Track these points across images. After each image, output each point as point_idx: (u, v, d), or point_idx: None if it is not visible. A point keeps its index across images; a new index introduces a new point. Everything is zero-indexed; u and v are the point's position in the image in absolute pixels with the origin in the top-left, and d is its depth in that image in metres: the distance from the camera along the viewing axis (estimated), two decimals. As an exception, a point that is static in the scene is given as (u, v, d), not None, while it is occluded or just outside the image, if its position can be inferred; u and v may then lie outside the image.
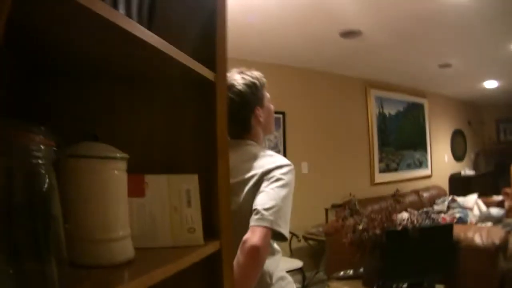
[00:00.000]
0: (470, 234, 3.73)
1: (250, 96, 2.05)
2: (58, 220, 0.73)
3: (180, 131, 1.32)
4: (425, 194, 7.95)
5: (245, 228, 1.73)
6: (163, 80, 1.29)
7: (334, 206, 6.31)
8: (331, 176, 6.91)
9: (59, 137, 0.77)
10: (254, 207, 1.76)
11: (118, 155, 0.96)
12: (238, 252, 1.66)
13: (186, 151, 1.31)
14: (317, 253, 6.14)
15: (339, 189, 6.72)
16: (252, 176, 1.87)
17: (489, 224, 6.11)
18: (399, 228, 3.22)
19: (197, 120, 1.32)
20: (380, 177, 7.84)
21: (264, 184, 1.83)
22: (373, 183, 7.69)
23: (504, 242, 3.79)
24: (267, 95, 2.22)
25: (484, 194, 8.08)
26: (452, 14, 4.45)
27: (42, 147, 0.69)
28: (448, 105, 10.27)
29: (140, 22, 1.04)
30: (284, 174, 1.85)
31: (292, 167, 1.91)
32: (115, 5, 0.92)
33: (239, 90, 2.02)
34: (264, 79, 2.18)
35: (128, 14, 0.99)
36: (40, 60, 1.12)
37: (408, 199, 7.31)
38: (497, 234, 3.77)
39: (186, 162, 1.29)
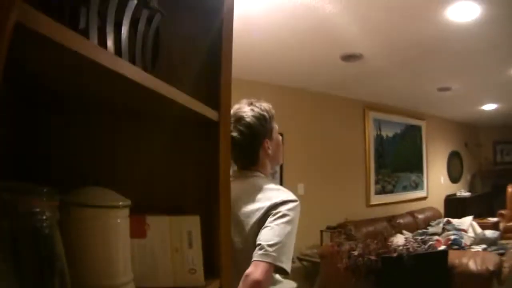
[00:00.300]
0: (464, 260, 3.75)
1: (259, 129, 2.05)
2: (64, 273, 0.76)
3: (182, 170, 1.34)
4: (420, 216, 7.97)
5: (248, 260, 1.74)
6: (165, 119, 1.31)
7: (329, 228, 6.33)
8: (327, 197, 6.88)
9: (60, 184, 0.81)
10: (258, 242, 1.77)
11: (121, 203, 0.97)
12: (240, 284, 1.69)
13: (188, 190, 1.32)
14: (311, 274, 6.06)
15: (335, 211, 6.76)
16: (258, 210, 1.87)
17: (484, 246, 6.14)
18: (394, 255, 3.24)
19: (200, 159, 1.34)
20: (375, 199, 7.82)
21: (270, 219, 1.83)
22: (368, 205, 7.67)
23: (498, 268, 3.81)
24: (276, 127, 2.21)
25: (479, 215, 8.15)
26: (453, 40, 4.48)
27: (46, 210, 0.72)
28: (446, 127, 10.30)
29: (143, 62, 1.08)
30: (289, 210, 1.84)
31: (297, 202, 1.90)
32: (119, 47, 0.95)
33: (248, 123, 2.01)
34: (273, 111, 2.17)
35: (132, 55, 1.01)
36: (41, 97, 1.15)
37: (403, 220, 7.38)
38: (491, 260, 3.79)
39: (187, 201, 1.30)
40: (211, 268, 1.27)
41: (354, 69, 5.49)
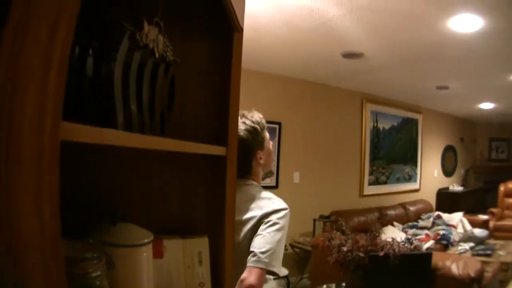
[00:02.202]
0: (448, 263, 3.88)
1: (251, 142, 2.20)
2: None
3: (193, 196, 1.50)
4: (412, 208, 8.09)
5: (241, 261, 1.91)
6: (178, 158, 1.45)
7: (322, 217, 6.45)
8: (321, 186, 7.00)
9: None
10: (251, 249, 1.94)
11: (146, 240, 1.12)
12: None
13: (199, 214, 1.49)
14: (302, 260, 6.30)
15: (328, 200, 6.92)
16: (251, 218, 2.04)
17: (472, 244, 6.29)
18: (381, 254, 3.39)
19: (210, 187, 1.50)
20: (369, 189, 7.94)
21: (262, 227, 2.00)
22: (361, 195, 7.78)
23: (479, 274, 3.92)
24: (267, 135, 2.34)
25: (470, 211, 8.24)
26: (454, 47, 4.58)
27: (96, 269, 0.90)
28: (442, 121, 10.34)
29: (161, 113, 1.22)
30: (280, 218, 2.01)
31: (287, 210, 2.08)
32: (140, 110, 1.07)
33: (241, 137, 2.13)
34: (264, 121, 2.29)
35: (152, 113, 1.15)
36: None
37: (395, 212, 7.47)
38: (473, 266, 3.90)
39: (198, 223, 1.47)
40: (217, 280, 1.44)
41: (354, 65, 5.61)
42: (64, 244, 0.82)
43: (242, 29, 1.56)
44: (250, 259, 1.92)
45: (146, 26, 1.04)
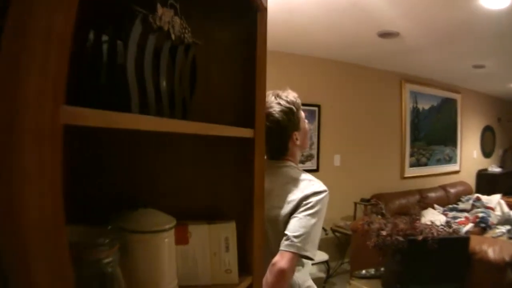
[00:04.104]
0: (484, 247, 3.80)
1: (287, 123, 2.11)
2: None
3: (220, 181, 1.47)
4: (452, 190, 7.97)
5: (276, 236, 1.94)
6: (204, 140, 1.41)
7: (362, 201, 6.42)
8: (362, 169, 6.91)
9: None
10: (286, 231, 1.91)
11: (167, 226, 1.10)
12: (267, 272, 1.84)
13: (225, 198, 1.46)
14: (343, 245, 6.24)
15: (369, 183, 6.84)
16: (291, 202, 1.98)
17: (508, 227, 6.17)
18: (420, 238, 3.34)
19: (236, 172, 1.47)
20: (410, 171, 7.80)
21: (299, 209, 1.95)
22: (402, 177, 7.66)
23: None
24: (302, 115, 2.25)
25: (509, 193, 8.02)
26: (487, 21, 4.49)
27: (108, 256, 0.88)
28: (480, 101, 10.11)
29: (182, 95, 1.20)
30: (318, 201, 1.96)
31: (327, 193, 2.02)
32: (158, 93, 1.06)
33: (277, 119, 2.08)
34: (299, 101, 2.20)
35: (171, 95, 1.13)
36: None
37: (435, 194, 7.38)
38: (508, 250, 3.83)
39: (225, 209, 1.45)
40: (245, 267, 1.41)
41: (391, 45, 5.53)
42: (78, 230, 0.82)
43: (266, 8, 1.50)
44: (283, 242, 1.89)
45: (159, 9, 1.02)
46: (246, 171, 1.45)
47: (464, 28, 4.77)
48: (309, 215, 1.93)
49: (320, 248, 5.90)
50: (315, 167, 6.32)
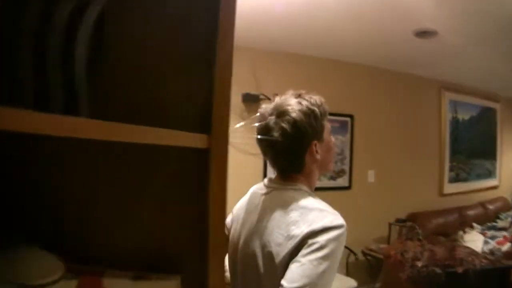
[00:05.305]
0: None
1: (307, 127, 1.67)
2: None
3: (166, 212, 1.13)
4: (491, 207, 7.65)
5: (273, 286, 1.50)
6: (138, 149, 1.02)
7: (398, 221, 6.08)
8: (398, 185, 6.54)
9: None
10: (282, 281, 1.46)
11: (49, 279, 0.79)
12: None
13: (172, 239, 1.12)
14: (374, 270, 5.84)
15: (405, 200, 6.50)
16: (293, 237, 1.52)
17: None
18: (460, 270, 3.10)
19: (186, 198, 1.11)
20: (449, 188, 7.42)
21: (303, 251, 1.48)
22: (441, 194, 7.29)
23: None
24: (328, 126, 1.81)
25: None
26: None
27: None
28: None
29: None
30: (330, 240, 1.47)
31: (343, 229, 1.52)
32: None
33: (293, 119, 1.65)
34: (326, 107, 1.78)
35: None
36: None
37: (474, 212, 7.12)
38: None
39: (172, 252, 1.10)
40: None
41: (427, 46, 5.21)
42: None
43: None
44: None
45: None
46: (195, 198, 1.07)
47: (508, 25, 4.44)
48: (316, 259, 1.44)
49: (350, 271, 5.66)
50: (347, 184, 5.95)
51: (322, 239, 1.46)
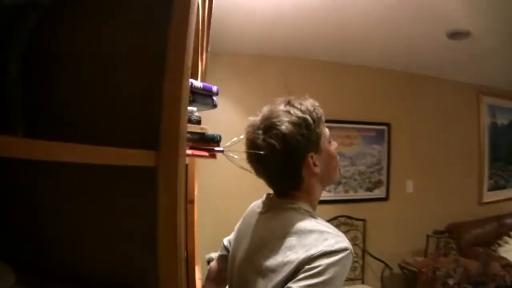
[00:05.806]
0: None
1: (299, 140, 1.49)
2: None
3: (122, 236, 1.08)
4: (529, 215, 7.48)
5: None
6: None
7: (436, 233, 5.96)
8: (436, 195, 6.38)
9: None
10: None
11: None
12: None
13: (130, 266, 1.07)
14: (411, 283, 5.56)
15: (444, 210, 6.36)
16: (288, 263, 1.35)
17: None
18: (492, 287, 3.08)
19: (136, 223, 1.06)
20: (488, 196, 7.20)
21: (300, 276, 1.30)
22: (480, 202, 7.06)
23: None
24: (326, 132, 1.63)
25: None
26: None
27: None
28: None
29: None
30: (330, 265, 1.29)
31: (346, 253, 1.34)
32: None
33: (282, 133, 1.47)
34: (319, 111, 1.59)
35: None
36: None
37: (510, 221, 6.88)
38: None
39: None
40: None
41: (461, 48, 5.08)
42: None
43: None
44: None
45: None
46: (147, 224, 0.99)
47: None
48: (313, 285, 1.26)
49: (384, 287, 5.55)
50: (384, 195, 5.87)
51: (321, 263, 1.29)
